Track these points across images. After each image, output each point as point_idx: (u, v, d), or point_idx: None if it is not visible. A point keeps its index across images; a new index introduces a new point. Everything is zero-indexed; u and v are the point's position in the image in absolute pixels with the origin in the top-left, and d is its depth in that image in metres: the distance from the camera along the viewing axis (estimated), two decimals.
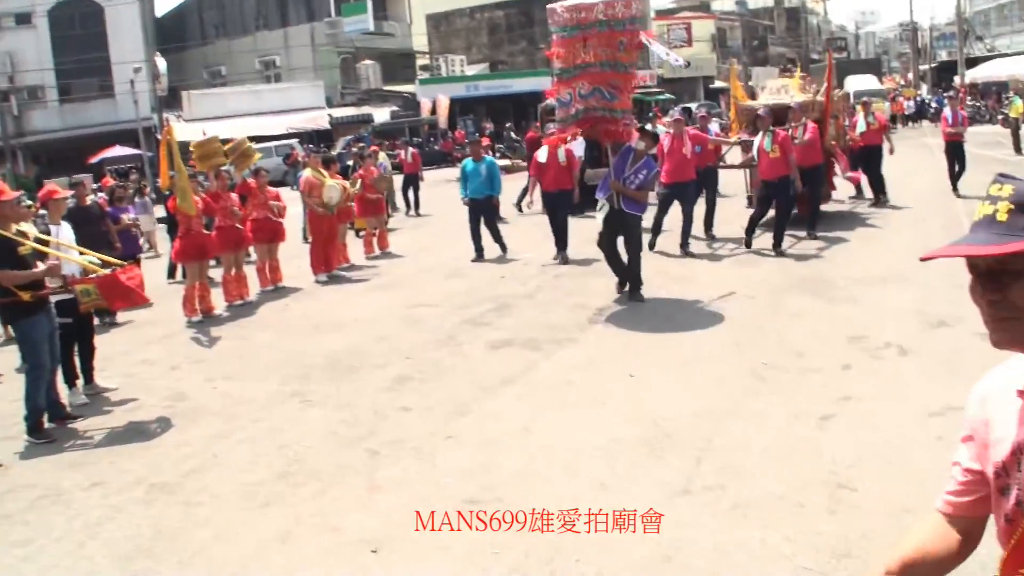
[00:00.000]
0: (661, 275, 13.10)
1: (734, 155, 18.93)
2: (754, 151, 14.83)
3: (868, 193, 19.34)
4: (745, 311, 10.80)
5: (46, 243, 8.92)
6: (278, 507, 6.28)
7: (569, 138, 14.07)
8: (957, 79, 57.86)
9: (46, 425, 8.57)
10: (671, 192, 15.04)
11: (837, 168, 17.70)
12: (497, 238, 15.91)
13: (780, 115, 16.24)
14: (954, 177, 19.65)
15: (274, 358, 10.55)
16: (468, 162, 16.39)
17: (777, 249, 14.12)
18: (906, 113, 50.14)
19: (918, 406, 7.08)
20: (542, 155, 15.61)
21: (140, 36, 46.95)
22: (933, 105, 52.37)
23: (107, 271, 9.03)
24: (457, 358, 9.77)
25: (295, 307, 13.61)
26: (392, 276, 15.30)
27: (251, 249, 15.41)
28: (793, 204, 14.75)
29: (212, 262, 14.78)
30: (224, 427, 8.20)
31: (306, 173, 15.95)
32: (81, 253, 9.58)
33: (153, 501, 6.64)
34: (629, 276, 11.85)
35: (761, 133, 14.60)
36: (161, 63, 44.83)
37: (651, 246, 14.68)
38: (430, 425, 7.65)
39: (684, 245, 14.78)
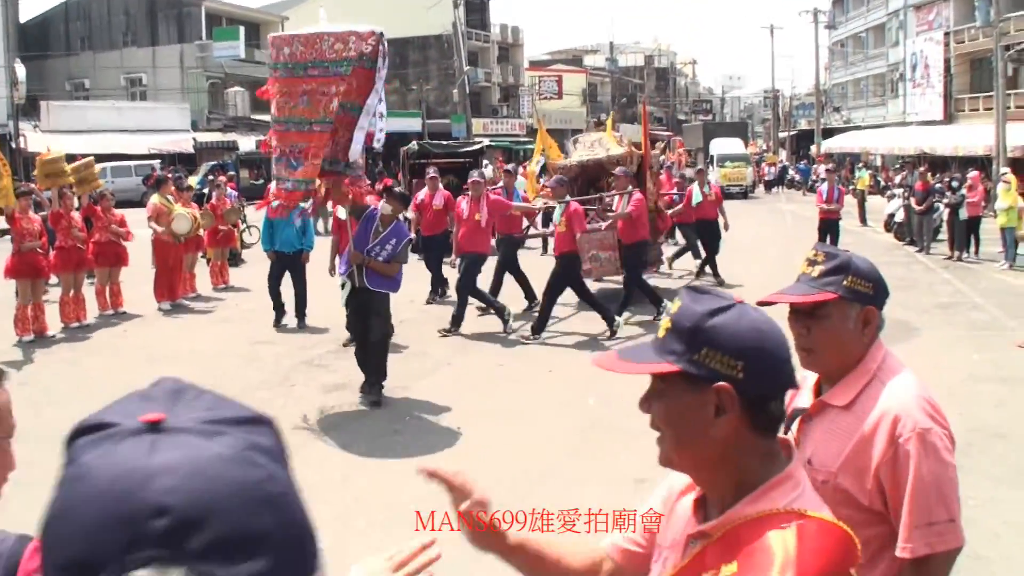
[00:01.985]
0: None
1: None
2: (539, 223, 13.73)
3: (692, 267, 18.59)
4: (581, 367, 10.96)
5: None
6: None
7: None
8: (814, 147, 60.08)
9: None
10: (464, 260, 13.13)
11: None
12: (302, 301, 13.83)
13: (594, 171, 15.64)
14: None
15: (104, 386, 10.26)
16: None
17: (614, 328, 12.62)
18: (766, 179, 51.48)
19: None
20: (342, 212, 12.38)
21: (1, 41, 45.51)
22: (791, 173, 54.14)
23: None
24: (288, 400, 9.70)
25: (133, 334, 13.34)
26: (237, 310, 15.12)
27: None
28: (573, 285, 12.93)
29: (54, 280, 14.45)
30: (39, 456, 7.93)
31: (154, 199, 15.67)
32: None
33: None
34: (369, 367, 9.79)
35: (557, 205, 13.04)
36: (20, 70, 43.50)
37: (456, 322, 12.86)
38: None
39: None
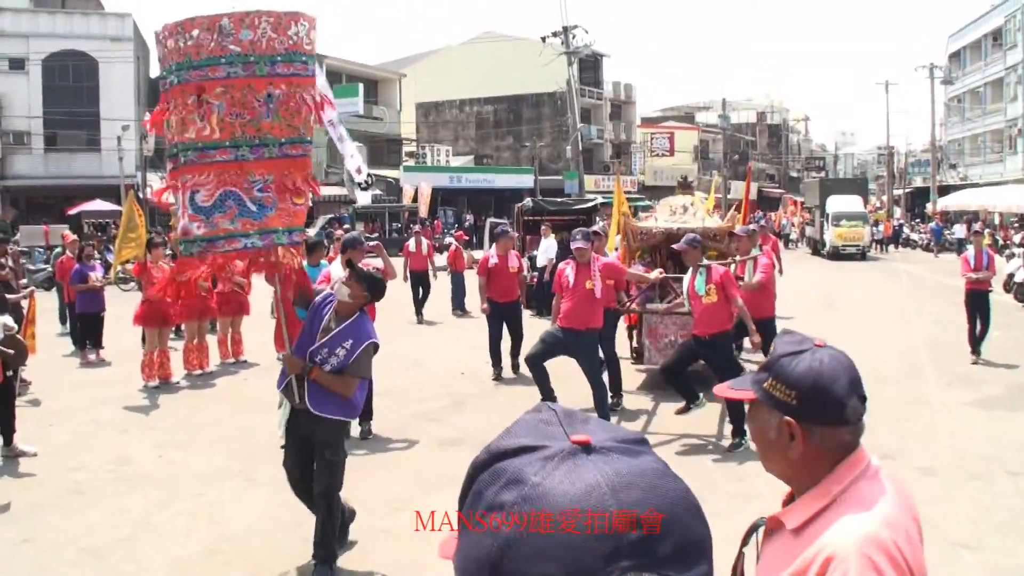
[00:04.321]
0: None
1: None
2: (684, 293, 11.05)
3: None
4: (697, 427, 10.88)
5: None
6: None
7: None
8: (929, 205, 58.76)
9: None
10: (564, 339, 10.69)
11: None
12: None
13: (675, 242, 11.92)
14: (975, 336, 14.87)
15: (224, 432, 10.61)
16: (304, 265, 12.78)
17: (736, 440, 9.87)
18: (875, 238, 49.81)
19: None
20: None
21: (132, 94, 47.34)
22: (907, 232, 52.87)
23: None
24: (405, 452, 9.84)
25: (253, 383, 13.66)
26: None
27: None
28: (733, 369, 10.21)
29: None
30: (164, 497, 8.24)
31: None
32: None
33: (81, 564, 6.71)
34: (316, 541, 6.55)
35: (690, 269, 10.66)
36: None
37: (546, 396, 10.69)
38: (368, 517, 7.69)
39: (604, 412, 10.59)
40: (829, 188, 47.83)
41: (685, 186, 14.13)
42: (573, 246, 10.91)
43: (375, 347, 6.70)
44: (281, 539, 7.17)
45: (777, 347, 2.24)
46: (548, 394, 10.62)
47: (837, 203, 43.75)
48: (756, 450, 2.36)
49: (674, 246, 10.97)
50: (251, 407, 12.00)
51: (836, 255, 40.56)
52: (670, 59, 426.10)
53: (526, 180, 55.47)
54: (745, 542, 2.34)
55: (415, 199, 47.82)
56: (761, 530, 2.33)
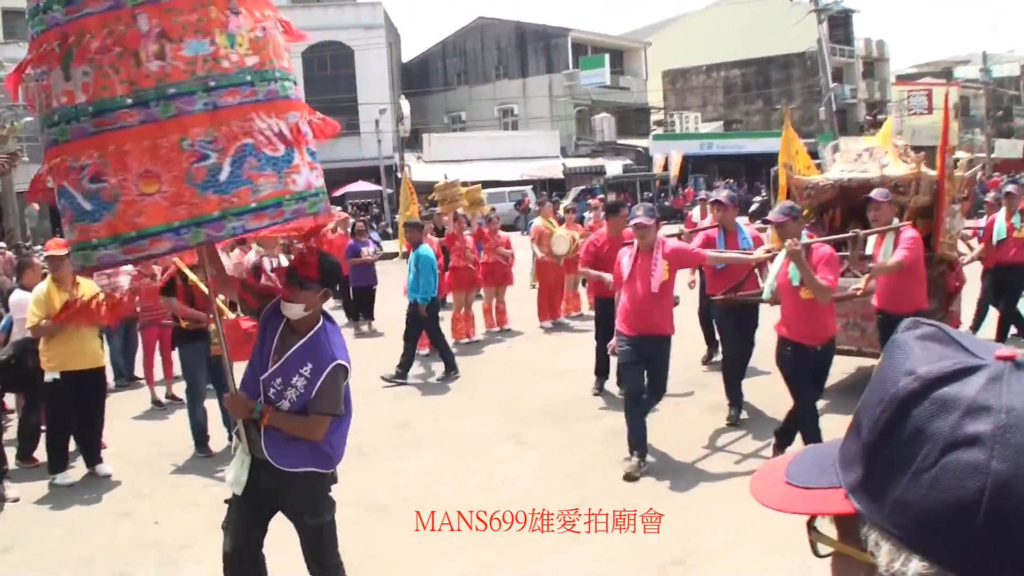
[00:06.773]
0: None
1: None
2: (768, 285, 8.25)
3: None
4: None
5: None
6: (481, 543, 6.54)
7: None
8: None
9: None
10: (634, 348, 8.12)
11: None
12: (405, 356, 12.32)
13: (855, 197, 9.95)
14: None
15: (493, 398, 10.88)
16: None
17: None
18: None
19: None
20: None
21: (387, 79, 49.02)
22: None
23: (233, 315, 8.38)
24: (674, 418, 9.68)
25: (517, 351, 13.93)
26: None
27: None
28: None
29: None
30: (442, 460, 8.54)
31: (537, 222, 16.42)
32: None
33: (366, 520, 7.02)
34: None
35: (782, 254, 7.87)
36: (405, 106, 46.95)
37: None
38: (639, 483, 7.71)
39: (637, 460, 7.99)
40: None
41: (874, 124, 11.53)
42: (632, 223, 8.24)
43: (344, 371, 4.87)
44: (553, 501, 7.19)
45: None
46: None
47: None
48: None
49: (769, 216, 8.24)
50: (517, 374, 12.26)
51: None
52: (924, 10, 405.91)
53: (778, 145, 54.00)
54: None
55: (665, 168, 47.59)
56: None
